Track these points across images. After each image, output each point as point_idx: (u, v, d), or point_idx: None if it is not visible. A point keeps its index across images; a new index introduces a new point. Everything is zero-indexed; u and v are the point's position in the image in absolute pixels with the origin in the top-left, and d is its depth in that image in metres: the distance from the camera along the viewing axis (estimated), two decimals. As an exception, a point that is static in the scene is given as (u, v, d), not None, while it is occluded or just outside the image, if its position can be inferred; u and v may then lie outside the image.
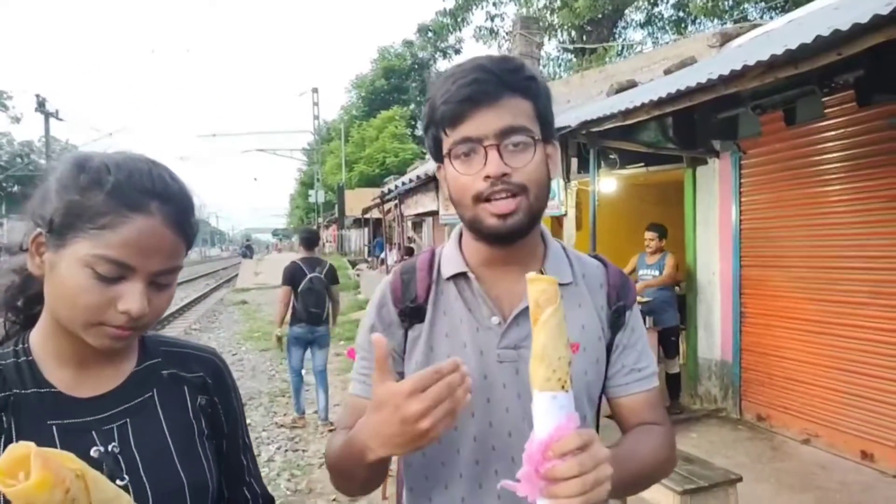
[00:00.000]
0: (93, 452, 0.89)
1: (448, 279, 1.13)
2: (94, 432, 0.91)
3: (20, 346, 0.94)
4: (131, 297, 0.86)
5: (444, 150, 1.05)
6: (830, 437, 4.79)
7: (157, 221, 0.88)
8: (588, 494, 0.77)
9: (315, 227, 7.38)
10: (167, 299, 0.93)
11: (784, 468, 4.56)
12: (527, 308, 1.00)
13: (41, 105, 23.91)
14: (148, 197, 0.88)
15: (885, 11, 2.67)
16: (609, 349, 1.14)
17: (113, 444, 0.91)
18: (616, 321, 1.14)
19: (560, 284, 1.06)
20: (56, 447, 0.86)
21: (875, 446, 4.42)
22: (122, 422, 0.93)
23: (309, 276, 5.78)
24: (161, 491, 0.91)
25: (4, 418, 0.88)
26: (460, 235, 1.17)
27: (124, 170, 0.89)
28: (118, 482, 0.85)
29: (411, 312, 1.12)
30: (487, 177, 0.99)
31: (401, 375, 1.08)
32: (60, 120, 24.78)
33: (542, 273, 1.05)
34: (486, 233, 1.03)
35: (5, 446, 0.83)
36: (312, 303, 5.75)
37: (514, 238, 1.04)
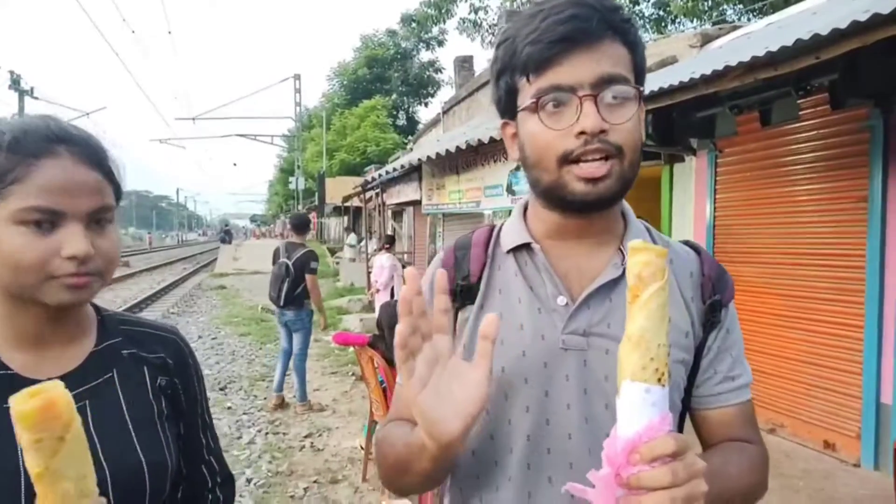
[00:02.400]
0: None
1: (508, 252, 0.98)
2: None
3: None
4: (72, 240, 0.84)
5: (524, 102, 0.88)
6: (795, 427, 4.98)
7: (67, 161, 0.86)
8: None
9: (306, 214, 7.50)
10: (111, 242, 0.91)
11: (750, 456, 4.72)
12: (601, 288, 0.92)
13: (15, 82, 23.35)
14: (50, 142, 0.86)
15: (863, 18, 2.77)
16: (699, 351, 0.96)
17: None
18: (710, 318, 0.96)
19: None
20: (10, 429, 0.88)
21: (836, 436, 4.61)
22: (81, 404, 0.89)
23: (279, 261, 5.95)
24: (119, 472, 0.89)
25: None
26: (525, 207, 1.02)
27: (19, 127, 0.87)
28: None
29: (462, 291, 0.97)
30: (582, 133, 0.83)
31: None
32: (35, 98, 24.25)
33: (626, 249, 0.93)
34: (571, 199, 0.87)
35: None
36: (273, 286, 6.00)
37: (601, 208, 0.90)
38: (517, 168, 6.16)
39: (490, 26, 19.99)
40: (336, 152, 33.03)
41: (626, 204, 1.01)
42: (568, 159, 0.85)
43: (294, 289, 5.85)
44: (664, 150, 5.93)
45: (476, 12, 20.60)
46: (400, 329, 0.72)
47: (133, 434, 0.93)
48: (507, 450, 0.91)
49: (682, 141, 5.70)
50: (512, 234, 0.99)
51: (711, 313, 0.96)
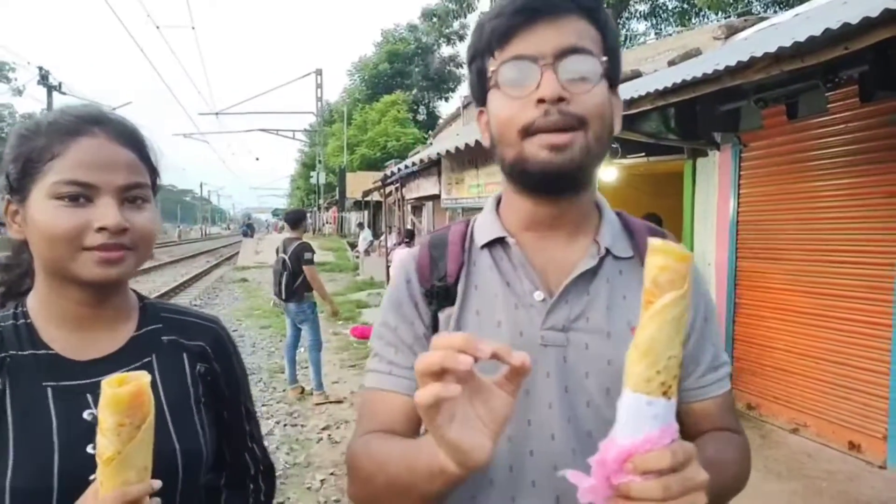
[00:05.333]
0: (86, 415, 0.89)
1: (483, 247, 0.95)
2: (88, 395, 0.90)
3: (19, 309, 0.95)
4: (103, 212, 0.86)
5: (489, 79, 0.87)
6: (818, 427, 4.88)
7: (102, 139, 0.89)
8: None
9: (301, 209, 8.00)
10: (148, 220, 0.92)
11: (773, 456, 4.65)
12: (578, 280, 0.90)
13: (44, 78, 23.75)
14: (86, 122, 0.90)
15: (895, 5, 2.69)
16: None
17: None
18: None
19: (617, 258, 0.92)
20: (49, 408, 0.88)
21: (862, 437, 4.51)
22: None
23: (278, 256, 6.15)
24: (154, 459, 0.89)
25: None
26: (498, 200, 1.00)
27: (57, 111, 0.93)
28: None
29: (439, 293, 0.93)
30: (541, 101, 0.81)
31: None
32: (63, 94, 24.64)
33: (598, 244, 0.92)
34: (532, 171, 0.84)
35: None
36: (274, 282, 6.21)
37: (567, 182, 0.86)
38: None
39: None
40: (357, 147, 33.17)
41: (600, 195, 1.00)
42: (529, 131, 0.83)
43: (292, 282, 5.96)
44: (687, 144, 5.85)
45: (497, 6, 20.52)
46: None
47: (169, 420, 0.93)
48: None
49: (706, 135, 5.62)
50: (485, 228, 0.96)
51: None
